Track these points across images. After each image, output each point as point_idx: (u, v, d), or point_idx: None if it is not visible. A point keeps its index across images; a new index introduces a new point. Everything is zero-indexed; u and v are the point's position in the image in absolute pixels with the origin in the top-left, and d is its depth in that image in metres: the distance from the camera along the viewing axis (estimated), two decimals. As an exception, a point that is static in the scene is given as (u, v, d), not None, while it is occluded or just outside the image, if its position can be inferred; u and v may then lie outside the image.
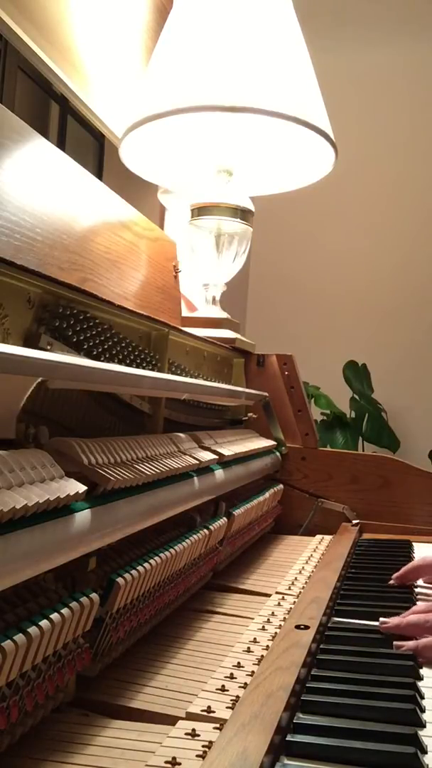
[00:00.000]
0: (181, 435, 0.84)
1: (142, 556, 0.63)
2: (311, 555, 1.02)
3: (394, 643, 0.65)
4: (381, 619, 0.68)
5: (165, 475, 0.67)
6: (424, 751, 0.46)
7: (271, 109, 1.14)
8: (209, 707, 0.51)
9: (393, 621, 0.68)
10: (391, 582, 0.87)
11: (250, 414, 1.32)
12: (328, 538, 1.16)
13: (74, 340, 0.68)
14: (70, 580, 0.53)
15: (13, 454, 0.47)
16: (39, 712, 0.48)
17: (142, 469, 0.63)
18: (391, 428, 2.89)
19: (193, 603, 0.82)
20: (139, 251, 1.08)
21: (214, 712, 0.51)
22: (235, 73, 1.15)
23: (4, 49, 1.41)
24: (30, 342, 0.62)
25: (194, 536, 0.75)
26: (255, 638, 0.67)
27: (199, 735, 0.47)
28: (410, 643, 0.64)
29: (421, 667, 0.61)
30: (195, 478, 0.78)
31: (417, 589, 0.87)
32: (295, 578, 0.89)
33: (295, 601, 0.79)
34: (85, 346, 0.70)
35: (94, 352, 0.72)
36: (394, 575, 0.88)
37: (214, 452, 0.87)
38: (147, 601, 0.64)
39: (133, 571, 0.58)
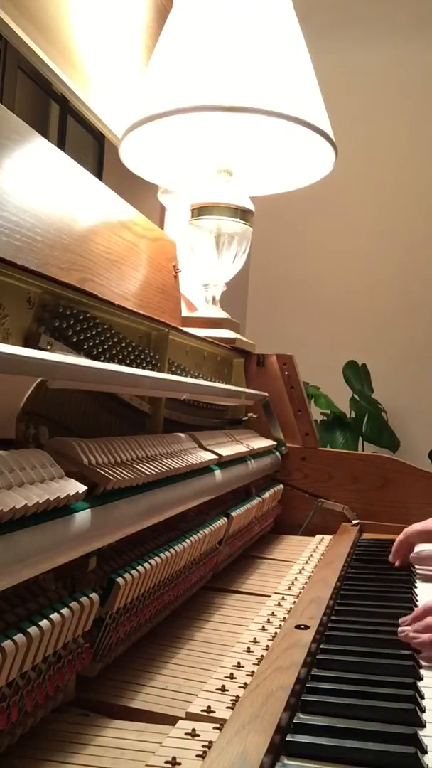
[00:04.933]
0: (181, 435, 0.84)
1: (142, 556, 0.63)
2: (311, 555, 1.02)
3: (409, 635, 0.64)
4: (400, 628, 0.67)
5: (165, 475, 0.67)
6: (424, 751, 0.46)
7: (271, 109, 1.14)
8: (209, 707, 0.51)
9: (416, 630, 0.66)
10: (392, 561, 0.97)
11: (250, 414, 1.32)
12: (328, 538, 1.16)
13: (74, 340, 0.68)
14: (70, 580, 0.53)
15: (13, 454, 0.46)
16: (39, 712, 0.48)
17: (142, 469, 0.63)
18: (391, 428, 2.89)
19: (193, 603, 0.82)
20: (139, 251, 1.08)
21: (214, 712, 0.51)
22: (235, 73, 1.15)
23: (4, 49, 1.41)
24: (30, 342, 0.62)
25: (194, 536, 0.75)
26: (255, 638, 0.67)
27: (199, 735, 0.47)
28: (425, 636, 0.63)
29: (421, 667, 0.61)
30: (195, 478, 0.78)
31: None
32: (295, 578, 0.89)
33: (295, 601, 0.79)
34: (85, 346, 0.70)
35: (94, 352, 0.72)
36: (396, 562, 0.95)
37: (214, 452, 0.87)
38: (147, 601, 0.64)
39: (133, 571, 0.58)
